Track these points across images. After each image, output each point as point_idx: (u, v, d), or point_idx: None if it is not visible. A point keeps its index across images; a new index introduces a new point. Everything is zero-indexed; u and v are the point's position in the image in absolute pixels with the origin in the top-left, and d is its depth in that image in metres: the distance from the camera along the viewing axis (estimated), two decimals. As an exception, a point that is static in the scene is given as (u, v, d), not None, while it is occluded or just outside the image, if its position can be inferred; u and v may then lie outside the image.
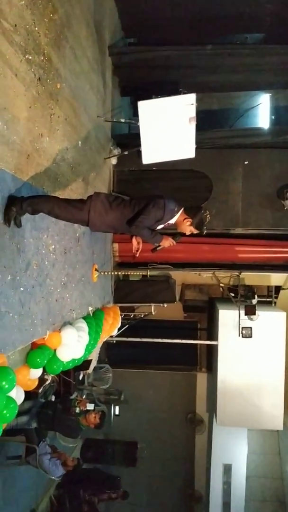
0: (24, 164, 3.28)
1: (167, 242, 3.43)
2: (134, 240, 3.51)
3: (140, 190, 6.97)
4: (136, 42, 7.96)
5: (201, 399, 9.87)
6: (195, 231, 3.42)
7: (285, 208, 6.74)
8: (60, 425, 5.11)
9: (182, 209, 3.34)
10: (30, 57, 3.36)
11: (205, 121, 7.28)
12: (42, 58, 3.62)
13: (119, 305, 7.16)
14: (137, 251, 3.52)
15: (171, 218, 3.31)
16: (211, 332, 8.89)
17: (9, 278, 2.99)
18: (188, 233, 3.44)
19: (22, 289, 3.22)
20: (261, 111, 8.56)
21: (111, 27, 6.65)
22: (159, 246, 3.49)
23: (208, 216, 3.43)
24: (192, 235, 3.51)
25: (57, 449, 5.47)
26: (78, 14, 4.76)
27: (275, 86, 8.04)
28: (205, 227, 3.46)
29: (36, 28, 3.47)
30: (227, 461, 9.01)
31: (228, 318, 7.66)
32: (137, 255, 3.56)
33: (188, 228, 3.38)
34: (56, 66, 3.97)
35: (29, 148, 3.36)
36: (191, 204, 3.47)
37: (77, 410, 5.35)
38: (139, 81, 7.60)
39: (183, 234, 3.49)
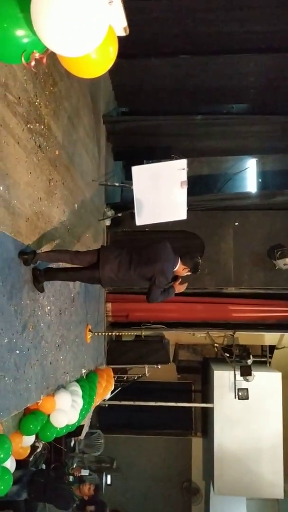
0: (23, 227, 3.35)
1: (178, 288, 3.83)
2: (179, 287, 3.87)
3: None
4: (128, 111, 8.39)
5: (197, 466, 9.43)
6: (190, 273, 3.86)
7: (276, 267, 6.85)
8: (53, 494, 4.80)
9: (180, 262, 3.73)
10: (31, 126, 3.53)
11: (195, 184, 7.55)
12: (42, 127, 3.80)
13: (112, 366, 7.02)
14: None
15: (172, 271, 3.73)
16: (206, 394, 8.66)
17: (5, 340, 2.95)
18: (184, 275, 3.86)
19: (17, 352, 3.17)
20: (249, 175, 8.89)
21: (105, 98, 7.03)
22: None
23: (200, 260, 3.90)
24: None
25: (47, 524, 5.13)
26: (76, 86, 5.05)
27: (261, 152, 8.43)
28: (199, 269, 3.90)
29: (38, 100, 3.67)
30: (227, 535, 8.48)
31: (224, 379, 7.50)
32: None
33: (185, 273, 3.81)
34: (55, 134, 4.16)
35: (28, 211, 3.45)
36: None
37: (71, 478, 5.06)
38: (131, 147, 7.92)
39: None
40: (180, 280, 3.83)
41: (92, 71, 1.80)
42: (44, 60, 1.78)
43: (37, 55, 1.73)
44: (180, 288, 3.82)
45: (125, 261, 3.55)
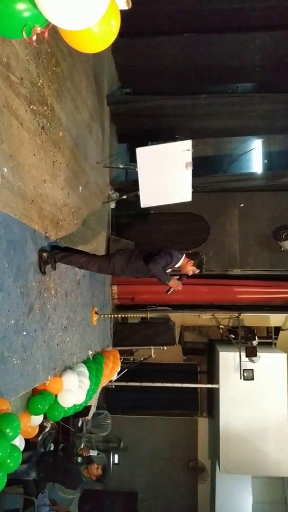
0: (28, 209, 3.34)
1: (174, 283, 4.05)
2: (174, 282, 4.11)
3: (138, 233, 7.06)
4: (132, 92, 8.28)
5: (203, 446, 9.55)
6: (197, 271, 4.12)
7: (282, 249, 6.83)
8: (61, 474, 4.89)
9: (184, 255, 4.09)
10: (35, 108, 3.49)
11: (200, 166, 7.49)
12: (45, 108, 3.76)
13: (118, 348, 7.07)
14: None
15: (177, 262, 4.06)
16: (212, 375, 8.73)
17: (12, 322, 2.97)
18: (190, 273, 4.13)
19: (24, 333, 3.20)
20: (254, 156, 8.79)
21: (109, 78, 6.93)
22: (170, 288, 4.12)
23: (204, 258, 4.19)
24: (191, 276, 4.20)
25: (56, 502, 5.23)
26: (79, 66, 4.98)
27: (266, 132, 8.32)
28: (204, 267, 4.17)
29: (41, 81, 3.63)
30: (232, 512, 8.62)
31: (229, 360, 7.54)
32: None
33: (191, 268, 4.09)
34: (59, 116, 4.12)
35: (33, 193, 3.43)
36: (189, 245, 3.95)
37: (79, 459, 5.13)
38: (135, 128, 7.84)
39: (187, 275, 4.19)
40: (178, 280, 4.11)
41: (95, 45, 1.77)
42: (46, 35, 1.75)
43: (38, 29, 1.70)
44: (175, 283, 4.02)
45: (136, 253, 4.04)
